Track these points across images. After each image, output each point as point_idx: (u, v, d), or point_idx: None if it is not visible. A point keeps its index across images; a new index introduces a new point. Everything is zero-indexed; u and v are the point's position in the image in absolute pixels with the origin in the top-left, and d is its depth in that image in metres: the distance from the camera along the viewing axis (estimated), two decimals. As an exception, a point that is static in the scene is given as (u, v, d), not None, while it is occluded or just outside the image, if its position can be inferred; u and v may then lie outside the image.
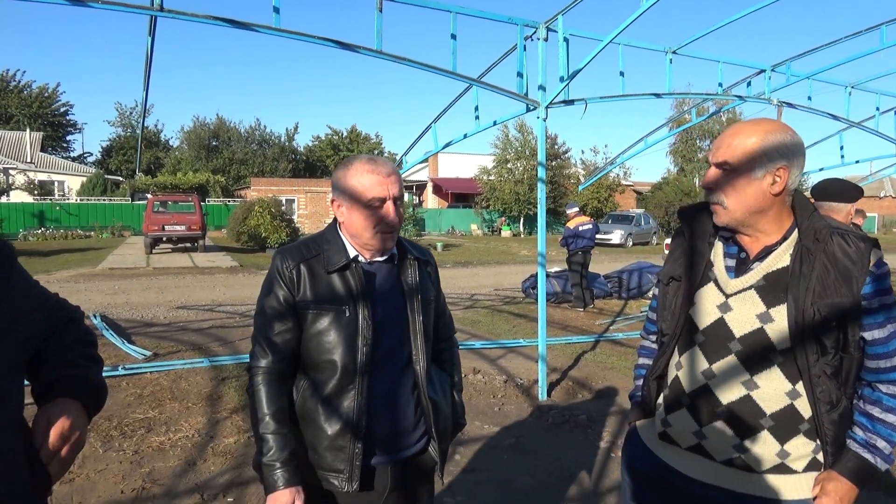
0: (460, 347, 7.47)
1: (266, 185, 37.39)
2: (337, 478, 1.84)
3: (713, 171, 1.63)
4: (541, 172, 5.81)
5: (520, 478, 4.07)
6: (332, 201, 1.93)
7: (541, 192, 5.81)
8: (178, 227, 21.35)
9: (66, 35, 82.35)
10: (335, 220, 1.96)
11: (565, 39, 5.71)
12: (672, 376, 1.74)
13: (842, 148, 9.53)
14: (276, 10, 4.69)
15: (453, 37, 5.53)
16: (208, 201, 36.37)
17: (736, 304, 1.63)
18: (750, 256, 1.65)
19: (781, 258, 1.61)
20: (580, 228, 11.15)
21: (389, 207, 1.85)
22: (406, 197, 36.40)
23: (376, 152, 55.91)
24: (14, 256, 1.35)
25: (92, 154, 54.92)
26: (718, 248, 1.72)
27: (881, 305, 1.54)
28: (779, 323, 1.56)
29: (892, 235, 37.72)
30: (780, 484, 1.59)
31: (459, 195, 42.67)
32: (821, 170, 10.50)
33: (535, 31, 5.77)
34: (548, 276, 9.06)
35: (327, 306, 1.83)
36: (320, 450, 1.85)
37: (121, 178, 41.91)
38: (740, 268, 1.66)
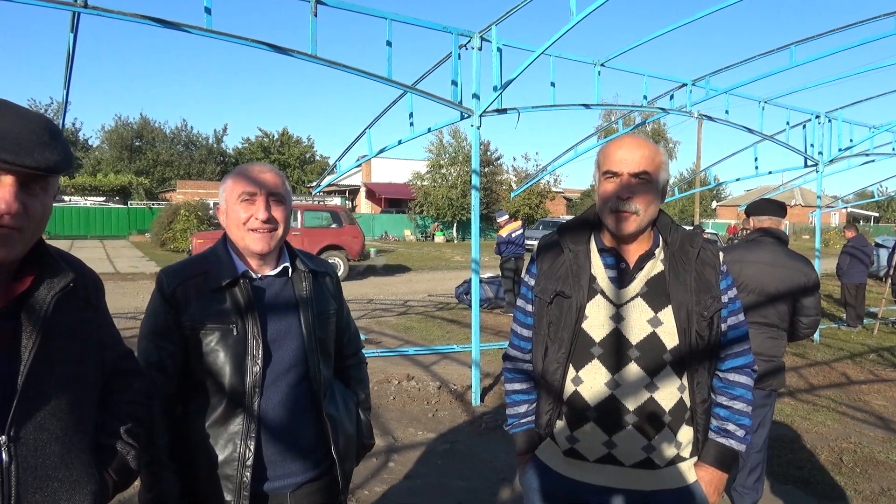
0: (395, 353, 7.53)
1: (193, 187, 36.26)
2: None
3: (632, 181, 1.66)
4: (475, 180, 5.90)
5: (453, 482, 4.11)
6: (219, 209, 1.86)
7: (475, 198, 5.89)
8: None
9: (-26, 26, 77.57)
10: (224, 235, 1.85)
11: (499, 49, 5.82)
12: (570, 391, 1.72)
13: (756, 159, 10.09)
14: (208, 10, 4.58)
15: (388, 43, 5.54)
16: (130, 204, 34.96)
17: (627, 314, 1.69)
18: (630, 266, 1.73)
19: (656, 265, 1.72)
20: (513, 235, 11.35)
21: (260, 202, 1.75)
22: (339, 201, 36.13)
23: (308, 156, 55.14)
24: (104, 290, 1.45)
25: (2, 153, 51.84)
26: (597, 261, 1.75)
27: (730, 298, 1.76)
28: (667, 325, 1.68)
29: (802, 242, 40.01)
30: (677, 472, 1.71)
31: (393, 200, 42.59)
32: (737, 179, 11.14)
33: (470, 41, 5.86)
34: (481, 281, 9.16)
35: (213, 325, 1.70)
36: (203, 480, 1.70)
37: (34, 179, 39.61)
38: (623, 278, 1.72)
